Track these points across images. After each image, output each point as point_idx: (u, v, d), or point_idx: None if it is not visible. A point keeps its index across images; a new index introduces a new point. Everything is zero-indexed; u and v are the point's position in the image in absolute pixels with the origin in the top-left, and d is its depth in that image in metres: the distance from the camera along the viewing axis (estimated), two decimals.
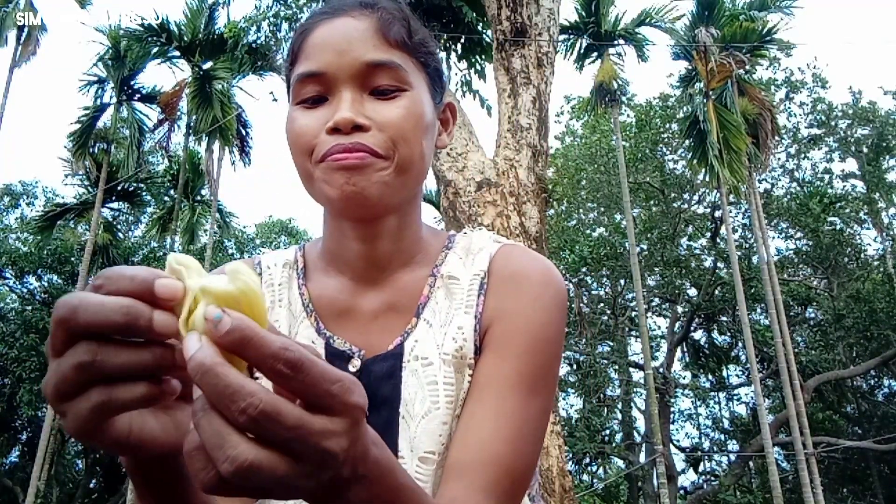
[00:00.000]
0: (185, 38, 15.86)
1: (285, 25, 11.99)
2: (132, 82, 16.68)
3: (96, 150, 16.86)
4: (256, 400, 0.40)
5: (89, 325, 0.43)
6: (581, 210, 21.30)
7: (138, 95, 16.80)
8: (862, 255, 21.17)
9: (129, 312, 0.43)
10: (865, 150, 22.01)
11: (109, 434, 0.47)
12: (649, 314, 21.15)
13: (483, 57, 9.74)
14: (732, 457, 20.76)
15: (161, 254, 18.55)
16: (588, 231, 20.91)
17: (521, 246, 0.87)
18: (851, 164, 23.07)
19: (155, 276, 0.45)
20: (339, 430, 0.43)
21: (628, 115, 20.01)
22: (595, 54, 14.76)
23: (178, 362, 0.45)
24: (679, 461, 21.41)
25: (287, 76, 0.83)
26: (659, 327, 23.04)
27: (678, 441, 22.84)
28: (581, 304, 19.25)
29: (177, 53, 16.24)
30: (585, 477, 21.92)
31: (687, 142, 15.03)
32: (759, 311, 19.92)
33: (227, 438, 0.41)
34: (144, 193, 19.86)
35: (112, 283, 0.45)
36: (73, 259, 18.73)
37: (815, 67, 24.14)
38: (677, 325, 20.95)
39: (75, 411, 0.45)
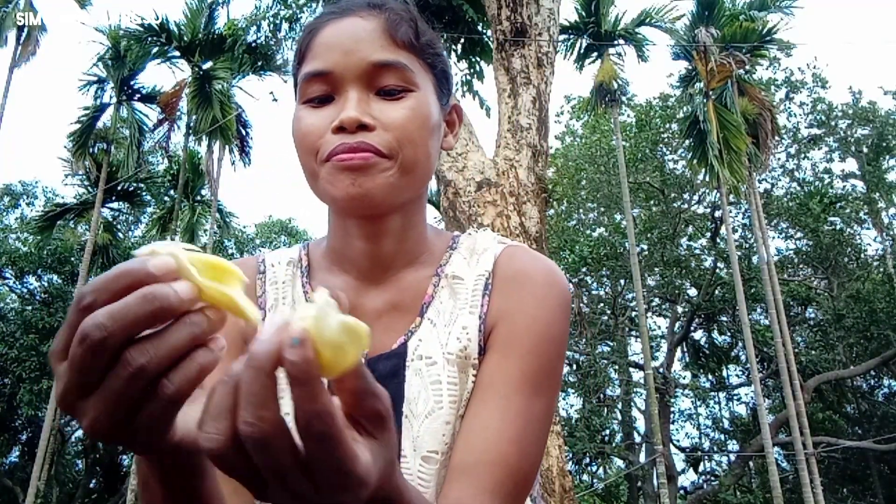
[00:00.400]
0: (185, 38, 15.86)
1: (285, 25, 11.99)
2: (132, 82, 16.67)
3: (96, 150, 16.86)
4: (261, 424, 0.40)
5: (130, 332, 0.42)
6: (581, 210, 21.30)
7: (138, 95, 16.80)
8: (862, 255, 21.16)
9: (154, 298, 0.42)
10: (865, 150, 22.01)
11: (172, 436, 0.48)
12: (649, 314, 21.14)
13: (483, 57, 9.74)
14: (732, 457, 20.76)
15: None
16: (588, 231, 20.90)
17: (525, 247, 0.87)
18: (851, 164, 23.09)
19: (142, 261, 0.43)
20: (309, 499, 0.43)
21: (628, 115, 20.01)
22: (595, 54, 14.77)
23: (215, 327, 0.45)
24: (679, 461, 21.43)
25: (294, 75, 0.84)
26: (659, 327, 23.06)
27: (678, 441, 22.85)
28: (581, 304, 19.25)
29: (176, 53, 16.23)
30: (585, 477, 21.92)
31: (687, 142, 15.02)
32: (759, 311, 19.92)
33: (220, 421, 0.42)
34: (144, 193, 19.85)
35: (105, 291, 0.42)
36: (73, 259, 18.74)
37: (815, 67, 24.17)
38: (677, 325, 20.94)
39: (148, 416, 0.44)
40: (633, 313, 20.39)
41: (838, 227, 20.02)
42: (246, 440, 0.41)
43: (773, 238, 21.03)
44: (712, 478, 21.66)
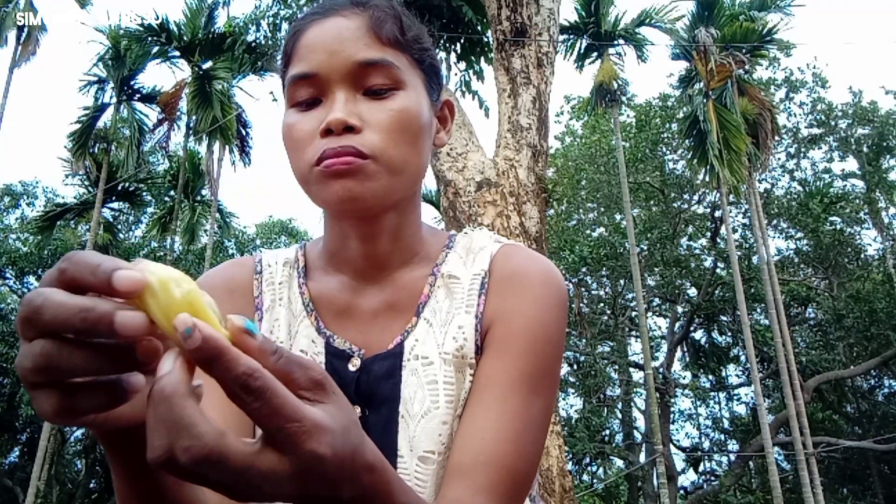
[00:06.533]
0: (185, 38, 15.86)
1: (285, 25, 11.99)
2: (132, 82, 16.67)
3: (96, 150, 16.85)
4: (200, 444, 0.40)
5: (51, 326, 0.41)
6: (581, 210, 21.29)
7: (138, 95, 16.79)
8: (862, 255, 21.15)
9: (86, 318, 0.41)
10: (866, 149, 21.99)
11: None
12: (649, 314, 21.14)
13: (483, 58, 9.73)
14: (732, 457, 20.74)
15: (161, 254, 18.53)
16: (588, 231, 20.90)
17: (522, 246, 0.86)
18: (852, 164, 23.08)
19: (115, 266, 0.42)
20: (284, 474, 0.43)
21: (628, 115, 20.01)
22: (595, 54, 14.77)
23: (142, 360, 0.43)
24: (679, 461, 21.41)
25: (282, 78, 0.83)
26: (659, 327, 23.06)
27: (678, 441, 22.84)
28: (581, 304, 19.25)
29: (176, 53, 16.24)
30: (585, 477, 21.92)
31: (687, 142, 15.01)
32: (759, 311, 19.91)
33: (159, 430, 0.41)
34: (144, 193, 19.84)
35: (75, 271, 0.42)
36: None
37: (815, 67, 24.17)
38: (677, 325, 20.93)
39: (39, 402, 0.43)
40: (633, 313, 20.39)
41: (838, 227, 20.00)
42: (192, 465, 0.40)
43: (773, 238, 21.05)
44: (712, 478, 21.65)
